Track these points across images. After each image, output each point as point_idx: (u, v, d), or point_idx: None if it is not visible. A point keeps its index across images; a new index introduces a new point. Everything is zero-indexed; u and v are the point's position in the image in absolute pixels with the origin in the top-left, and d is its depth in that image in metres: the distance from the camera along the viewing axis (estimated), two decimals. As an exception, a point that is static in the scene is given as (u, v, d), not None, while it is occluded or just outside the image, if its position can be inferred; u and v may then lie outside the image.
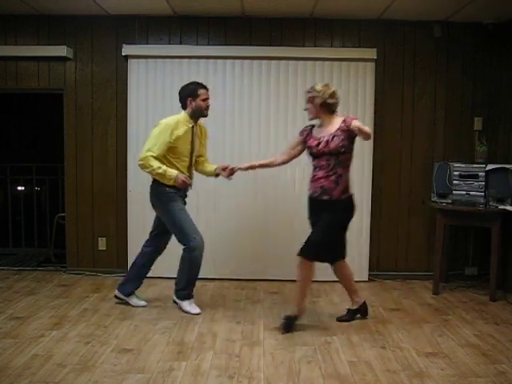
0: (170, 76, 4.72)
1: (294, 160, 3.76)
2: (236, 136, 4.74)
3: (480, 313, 3.89)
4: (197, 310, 3.76)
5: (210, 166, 3.94)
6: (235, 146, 4.76)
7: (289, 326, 3.44)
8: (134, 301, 3.93)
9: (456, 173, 4.37)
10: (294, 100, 4.73)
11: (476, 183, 4.29)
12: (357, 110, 4.70)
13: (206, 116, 3.78)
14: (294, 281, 4.69)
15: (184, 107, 3.76)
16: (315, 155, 3.48)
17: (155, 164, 3.57)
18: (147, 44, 4.72)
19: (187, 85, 3.77)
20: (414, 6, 4.29)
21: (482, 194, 4.26)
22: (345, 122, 3.38)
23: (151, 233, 3.96)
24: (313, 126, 3.61)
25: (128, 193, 4.80)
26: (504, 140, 4.65)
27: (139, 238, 4.76)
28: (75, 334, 3.32)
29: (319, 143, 3.44)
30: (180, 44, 4.73)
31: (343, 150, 3.37)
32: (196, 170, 3.95)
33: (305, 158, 3.65)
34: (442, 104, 4.78)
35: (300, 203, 4.76)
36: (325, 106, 3.44)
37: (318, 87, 3.45)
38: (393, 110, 4.78)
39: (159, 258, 4.75)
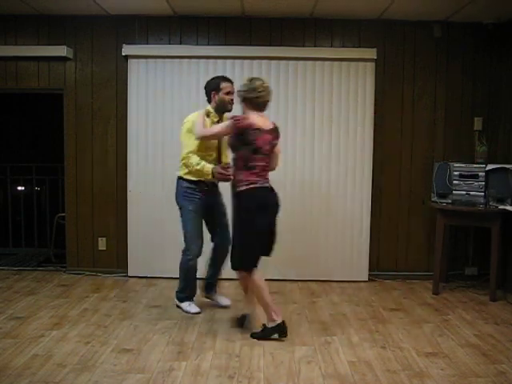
0: (169, 76, 4.72)
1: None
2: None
3: (480, 313, 3.89)
4: (196, 309, 3.76)
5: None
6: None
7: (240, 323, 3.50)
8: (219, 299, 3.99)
9: (456, 173, 4.37)
10: (294, 100, 4.73)
11: (476, 183, 4.29)
12: (357, 109, 4.70)
13: (229, 110, 3.66)
14: (294, 281, 4.73)
15: (209, 101, 3.71)
16: None
17: (194, 160, 3.53)
18: (147, 44, 4.72)
19: (212, 79, 3.73)
20: (413, 6, 4.29)
21: (482, 194, 4.26)
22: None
23: (211, 237, 3.87)
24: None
25: (128, 193, 4.79)
26: (504, 140, 4.65)
27: (139, 238, 4.80)
28: (75, 333, 3.32)
29: None
30: (180, 44, 4.73)
31: (232, 147, 3.35)
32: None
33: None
34: (442, 104, 4.78)
35: (299, 204, 4.78)
36: (245, 101, 3.31)
37: (244, 82, 3.33)
38: (393, 110, 4.78)
39: (158, 258, 4.78)
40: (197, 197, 3.67)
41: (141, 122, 4.75)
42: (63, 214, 5.08)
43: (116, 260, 4.88)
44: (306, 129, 4.74)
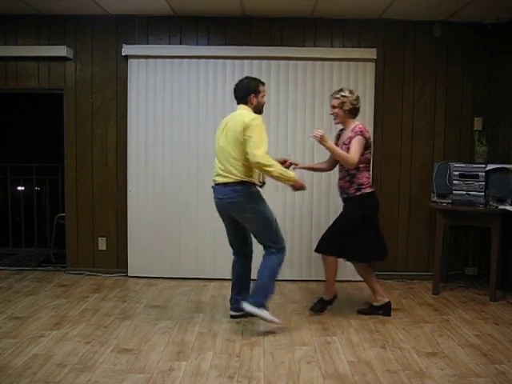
0: (169, 76, 4.72)
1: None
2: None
3: (480, 313, 3.89)
4: (276, 319, 3.44)
5: None
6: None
7: (319, 308, 3.77)
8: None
9: (456, 173, 4.37)
10: (294, 100, 4.73)
11: (476, 183, 4.29)
12: (357, 109, 4.70)
13: (262, 113, 3.60)
14: (294, 281, 4.73)
15: (244, 102, 3.55)
16: (335, 160, 3.78)
17: (275, 162, 3.36)
18: (147, 44, 4.72)
19: (247, 80, 3.59)
20: (413, 6, 4.29)
21: (482, 194, 4.26)
22: (351, 131, 3.59)
23: (235, 251, 3.75)
24: (342, 130, 3.80)
25: (128, 193, 4.80)
26: (504, 140, 4.65)
27: (139, 238, 4.80)
28: (75, 333, 3.32)
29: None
30: (180, 44, 4.73)
31: None
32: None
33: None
34: (441, 104, 4.78)
35: (300, 204, 4.78)
36: (351, 112, 3.64)
37: (347, 93, 3.63)
38: (393, 109, 4.78)
39: (158, 258, 4.78)
40: (262, 198, 3.54)
41: (141, 122, 4.75)
42: (63, 214, 5.09)
43: (116, 260, 4.88)
44: (306, 128, 4.73)
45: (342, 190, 3.71)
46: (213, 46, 4.71)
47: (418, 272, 4.84)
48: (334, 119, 3.73)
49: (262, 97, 3.61)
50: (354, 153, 3.50)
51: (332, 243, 3.63)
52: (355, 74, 4.71)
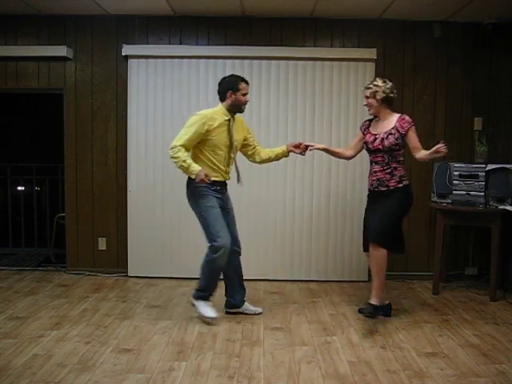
0: (169, 76, 4.72)
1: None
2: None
3: (480, 313, 3.89)
4: (211, 314, 3.54)
5: (277, 149, 3.82)
6: (235, 145, 4.75)
7: (373, 314, 3.47)
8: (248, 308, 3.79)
9: (456, 173, 4.37)
10: (294, 100, 4.73)
11: (476, 183, 4.29)
12: (357, 110, 4.70)
13: (242, 111, 3.65)
14: (294, 281, 4.74)
15: (222, 99, 3.62)
16: (371, 150, 3.64)
17: (181, 155, 3.41)
18: (147, 44, 4.72)
19: (229, 77, 3.64)
20: (414, 5, 4.29)
21: (482, 193, 4.26)
22: (401, 122, 3.50)
23: None
24: (371, 121, 3.71)
25: (128, 193, 4.80)
26: (504, 140, 4.65)
27: (139, 238, 4.80)
28: (75, 334, 3.32)
29: (375, 139, 3.58)
30: (180, 44, 4.73)
31: (397, 147, 3.51)
32: (258, 157, 3.81)
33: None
34: (441, 104, 4.78)
35: (300, 204, 4.78)
36: (386, 101, 3.55)
37: (379, 82, 3.55)
38: (393, 109, 4.77)
39: (158, 258, 4.78)
40: (211, 194, 3.55)
41: (141, 121, 4.75)
42: (63, 214, 5.09)
43: (116, 260, 4.88)
44: (306, 128, 4.74)
45: (381, 182, 3.56)
46: (213, 45, 4.71)
47: (418, 272, 4.84)
48: (368, 110, 3.62)
49: (243, 95, 3.58)
50: (419, 144, 3.49)
51: (389, 236, 3.52)
52: (355, 74, 4.71)
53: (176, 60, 4.72)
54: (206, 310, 3.57)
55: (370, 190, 3.72)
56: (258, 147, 3.85)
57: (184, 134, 3.49)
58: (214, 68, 4.70)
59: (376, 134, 3.58)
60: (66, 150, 4.86)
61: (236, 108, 3.62)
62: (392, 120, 3.55)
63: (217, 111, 3.59)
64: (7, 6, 4.44)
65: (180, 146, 3.44)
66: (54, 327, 3.43)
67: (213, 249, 3.48)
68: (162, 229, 4.77)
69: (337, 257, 4.80)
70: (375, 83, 3.54)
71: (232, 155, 3.65)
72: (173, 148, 3.46)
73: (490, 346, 3.20)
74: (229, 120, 3.59)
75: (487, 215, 4.20)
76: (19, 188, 6.62)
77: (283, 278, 4.77)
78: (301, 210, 4.79)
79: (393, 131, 3.50)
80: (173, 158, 3.46)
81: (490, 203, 4.23)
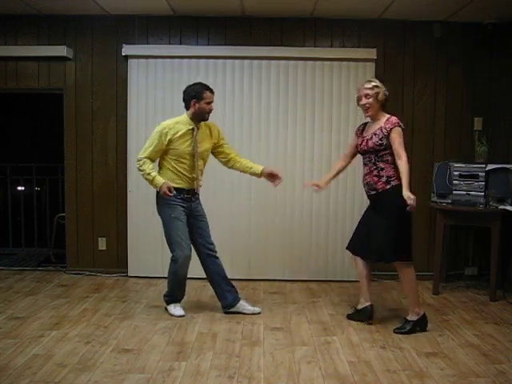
0: (169, 76, 4.71)
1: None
2: (236, 136, 4.73)
3: (480, 313, 3.89)
4: (179, 312, 3.71)
5: (253, 168, 3.80)
6: (235, 145, 4.73)
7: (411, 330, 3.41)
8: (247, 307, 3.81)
9: (456, 173, 4.37)
10: (294, 100, 4.73)
11: (476, 183, 4.29)
12: (357, 110, 4.66)
13: (206, 120, 3.67)
14: (294, 281, 4.73)
15: (187, 108, 3.65)
16: (360, 153, 3.59)
17: (147, 168, 3.55)
18: (147, 44, 4.72)
19: (193, 85, 3.65)
20: (414, 6, 4.29)
21: (482, 194, 4.26)
22: (386, 122, 3.44)
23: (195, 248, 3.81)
24: (365, 124, 3.66)
25: (128, 193, 4.79)
26: (504, 140, 4.65)
27: (139, 238, 4.80)
28: (75, 334, 3.32)
29: (362, 141, 3.54)
30: (180, 44, 4.73)
31: (382, 147, 3.43)
32: (232, 167, 3.83)
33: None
34: (441, 104, 4.78)
35: (300, 205, 4.78)
36: (384, 103, 3.50)
37: (378, 83, 3.48)
38: (393, 110, 4.75)
39: (158, 258, 4.77)
40: (177, 203, 3.61)
41: (141, 122, 4.75)
42: (63, 214, 5.09)
43: (116, 260, 4.88)
44: (306, 128, 4.74)
45: (370, 186, 3.48)
46: (213, 45, 4.71)
47: (418, 272, 4.73)
48: (366, 111, 3.48)
49: (208, 103, 3.60)
50: (402, 150, 3.37)
51: (405, 247, 3.41)
52: (355, 74, 4.71)
53: (176, 60, 4.72)
54: (175, 310, 3.74)
55: (367, 195, 3.64)
56: (233, 155, 3.83)
57: (148, 146, 3.61)
58: (213, 68, 4.70)
59: (365, 136, 3.54)
60: (66, 150, 4.86)
61: (199, 116, 3.63)
62: (381, 121, 3.48)
63: (180, 120, 3.64)
64: (7, 6, 4.44)
65: (145, 158, 3.58)
66: (53, 327, 3.43)
67: (172, 259, 3.67)
68: (161, 229, 4.75)
69: (337, 257, 4.80)
70: (375, 84, 3.47)
71: (199, 161, 3.68)
72: (138, 161, 3.61)
73: (490, 346, 3.20)
74: (192, 129, 3.61)
75: (487, 215, 4.20)
76: (19, 188, 6.62)
77: (283, 277, 4.77)
78: (301, 210, 4.79)
79: (378, 131, 3.44)
80: (139, 170, 3.61)
81: (490, 203, 4.23)
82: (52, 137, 6.41)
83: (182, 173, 3.63)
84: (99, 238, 4.88)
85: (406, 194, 3.28)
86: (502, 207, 4.14)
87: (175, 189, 3.60)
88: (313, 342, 3.25)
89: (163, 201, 3.62)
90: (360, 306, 3.65)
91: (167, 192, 3.51)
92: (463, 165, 4.38)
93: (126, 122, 4.76)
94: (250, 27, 4.71)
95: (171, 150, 3.60)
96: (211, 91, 3.64)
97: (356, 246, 3.66)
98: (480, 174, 4.28)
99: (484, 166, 4.31)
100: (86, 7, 4.46)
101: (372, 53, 4.67)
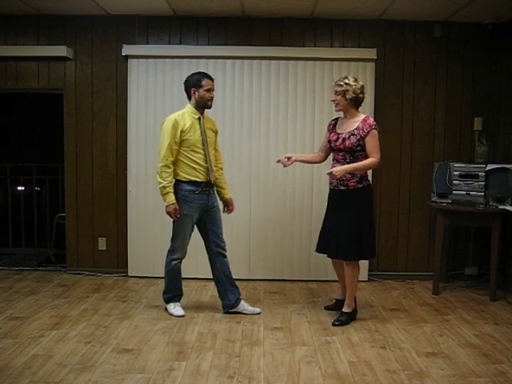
0: (169, 76, 4.71)
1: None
2: (236, 135, 4.73)
3: (480, 313, 3.89)
4: (179, 312, 3.71)
5: (225, 192, 3.88)
6: (235, 145, 4.75)
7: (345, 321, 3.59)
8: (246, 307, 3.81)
9: (456, 173, 4.37)
10: (293, 100, 4.73)
11: (476, 183, 4.29)
12: (357, 110, 4.70)
13: (209, 107, 3.67)
14: (294, 281, 4.73)
15: (189, 98, 3.67)
16: (333, 149, 3.63)
17: (164, 179, 3.55)
18: (147, 44, 4.72)
19: (192, 74, 3.67)
20: (414, 6, 4.29)
21: (482, 193, 4.26)
22: (364, 124, 3.47)
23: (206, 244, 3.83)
24: (337, 119, 3.71)
25: (128, 193, 4.79)
26: (504, 140, 4.65)
27: (139, 238, 4.80)
28: (75, 334, 3.32)
29: (338, 138, 3.56)
30: (180, 44, 4.73)
31: (358, 148, 3.49)
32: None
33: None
34: (441, 104, 4.78)
35: (300, 205, 4.78)
36: (355, 101, 3.52)
37: (351, 81, 3.50)
38: (393, 110, 4.78)
39: (158, 258, 4.77)
40: (194, 200, 3.62)
41: (141, 122, 4.75)
42: (63, 214, 5.09)
43: (116, 260, 4.88)
44: (306, 128, 4.74)
45: (341, 181, 3.51)
46: (213, 46, 4.71)
47: (418, 272, 4.84)
48: (335, 106, 3.59)
49: (207, 90, 3.59)
50: (376, 152, 3.45)
51: (358, 248, 3.52)
52: (355, 74, 4.67)
53: (176, 60, 4.71)
54: (174, 310, 3.74)
55: (330, 188, 3.70)
56: (219, 167, 3.86)
57: (163, 147, 3.57)
58: (213, 68, 4.69)
59: (339, 134, 3.57)
60: (66, 150, 4.86)
61: (202, 104, 3.64)
62: (357, 120, 3.51)
63: (185, 112, 3.64)
64: (7, 6, 4.44)
65: (164, 166, 3.56)
66: (53, 327, 3.43)
67: (168, 256, 3.77)
68: (161, 229, 4.76)
69: (337, 257, 4.80)
70: (346, 81, 3.49)
71: (210, 153, 3.70)
72: (158, 169, 3.61)
73: (489, 346, 3.20)
74: (199, 118, 3.63)
75: (487, 215, 4.20)
76: (19, 188, 6.62)
77: (283, 277, 4.77)
78: (301, 209, 4.79)
79: (355, 132, 3.47)
80: (158, 179, 3.59)
81: (490, 203, 4.23)
82: (52, 137, 6.42)
83: (197, 163, 3.60)
84: (99, 238, 4.88)
85: (337, 168, 3.40)
86: (501, 207, 4.14)
87: (193, 183, 3.60)
88: (313, 342, 3.25)
89: (179, 194, 3.61)
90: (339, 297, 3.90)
91: (172, 214, 3.56)
92: (463, 165, 4.38)
93: (126, 122, 4.76)
94: (250, 27, 4.71)
95: (184, 141, 3.57)
96: (210, 78, 3.63)
97: (320, 243, 3.81)
98: (480, 174, 4.28)
99: (484, 166, 4.31)
100: (85, 7, 4.47)
101: (372, 53, 4.67)
